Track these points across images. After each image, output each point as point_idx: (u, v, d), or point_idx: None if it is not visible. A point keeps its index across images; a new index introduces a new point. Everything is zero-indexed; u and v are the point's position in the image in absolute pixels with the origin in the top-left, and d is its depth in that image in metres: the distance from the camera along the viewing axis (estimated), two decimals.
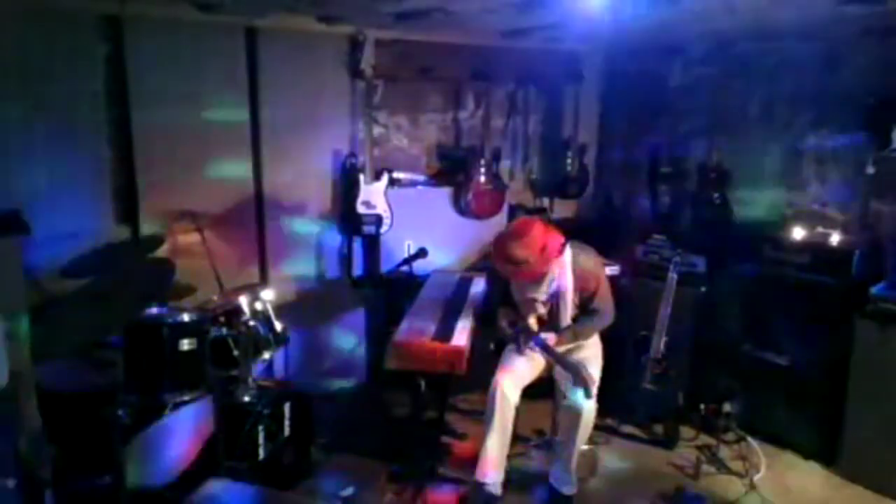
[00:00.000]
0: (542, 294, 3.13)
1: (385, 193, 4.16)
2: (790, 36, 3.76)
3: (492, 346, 3.47)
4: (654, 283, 3.77)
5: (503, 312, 3.25)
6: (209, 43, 3.69)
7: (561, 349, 3.10)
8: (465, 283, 3.96)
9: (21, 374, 2.50)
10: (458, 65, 4.49)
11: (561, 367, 3.04)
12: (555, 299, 3.13)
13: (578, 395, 2.94)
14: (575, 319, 3.16)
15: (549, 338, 3.06)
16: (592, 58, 4.92)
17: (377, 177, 4.13)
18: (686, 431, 3.79)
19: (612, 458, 3.58)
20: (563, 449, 3.11)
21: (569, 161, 4.80)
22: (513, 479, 3.26)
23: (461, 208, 4.57)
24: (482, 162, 4.45)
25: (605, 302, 3.16)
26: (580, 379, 2.91)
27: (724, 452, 3.57)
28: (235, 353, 3.14)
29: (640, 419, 3.86)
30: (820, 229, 3.65)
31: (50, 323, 3.00)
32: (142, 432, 2.71)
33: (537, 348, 3.09)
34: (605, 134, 5.20)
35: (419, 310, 3.47)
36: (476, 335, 3.25)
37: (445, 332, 3.13)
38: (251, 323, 3.18)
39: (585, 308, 3.16)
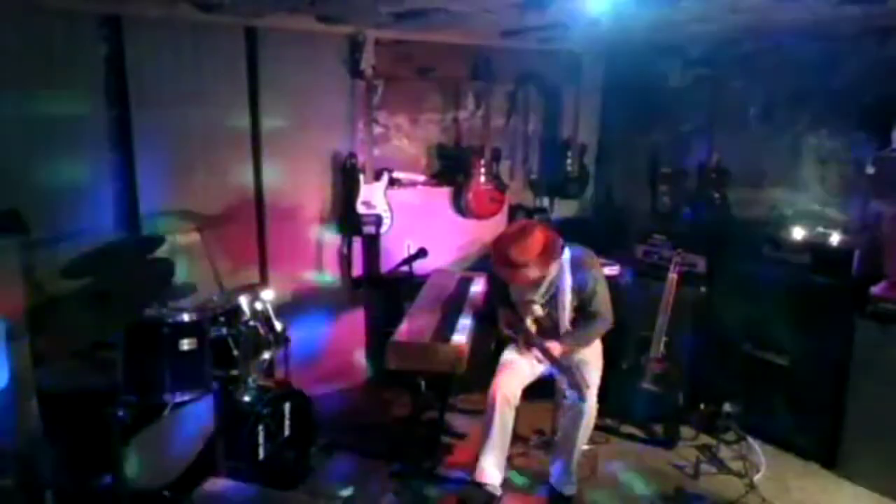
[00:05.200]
0: (540, 296, 3.13)
1: (385, 193, 4.15)
2: (790, 36, 3.76)
3: (492, 346, 3.48)
4: (654, 283, 3.78)
5: (503, 313, 3.25)
6: (209, 43, 3.69)
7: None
8: (465, 283, 3.96)
9: (21, 374, 2.51)
10: (458, 65, 4.49)
11: (558, 369, 3.04)
12: (553, 301, 3.13)
13: (576, 396, 2.94)
14: (573, 322, 3.15)
15: (553, 347, 3.05)
16: (592, 58, 4.92)
17: (377, 177, 4.13)
18: (686, 431, 3.80)
19: (612, 458, 3.58)
20: (564, 449, 3.11)
21: (569, 161, 4.80)
22: (513, 480, 3.26)
23: (461, 208, 4.56)
24: (482, 162, 4.45)
25: (603, 305, 3.14)
26: (575, 382, 2.91)
27: (724, 452, 3.58)
28: (235, 353, 3.14)
29: (640, 419, 3.86)
30: (820, 229, 3.65)
31: (50, 323, 3.01)
32: (142, 432, 2.71)
33: (536, 349, 3.08)
34: (605, 134, 5.20)
35: (419, 310, 3.47)
36: (476, 335, 3.25)
37: (445, 332, 3.14)
38: (251, 323, 3.18)
39: (583, 310, 3.15)
